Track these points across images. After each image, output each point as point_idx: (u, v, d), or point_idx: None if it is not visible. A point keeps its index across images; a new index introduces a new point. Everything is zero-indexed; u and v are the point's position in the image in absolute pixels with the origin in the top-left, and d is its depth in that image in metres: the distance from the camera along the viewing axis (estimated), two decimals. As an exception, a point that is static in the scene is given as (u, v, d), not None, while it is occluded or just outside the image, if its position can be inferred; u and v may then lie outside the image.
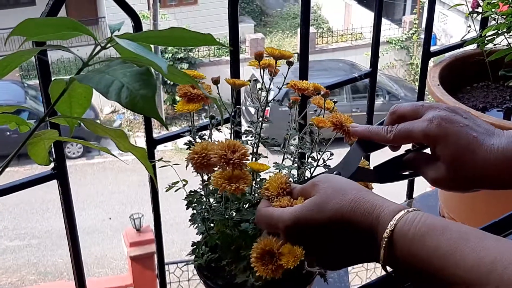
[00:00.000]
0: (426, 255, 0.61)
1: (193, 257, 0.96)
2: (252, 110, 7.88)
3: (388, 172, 0.84)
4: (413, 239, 0.62)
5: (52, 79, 0.93)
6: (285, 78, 1.01)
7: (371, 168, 0.86)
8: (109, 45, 0.58)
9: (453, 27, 13.97)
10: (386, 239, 0.64)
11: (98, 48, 0.58)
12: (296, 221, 0.69)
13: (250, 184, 0.84)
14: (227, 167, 0.82)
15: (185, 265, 6.15)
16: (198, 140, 0.96)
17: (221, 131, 1.00)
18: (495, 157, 0.73)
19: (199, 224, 0.93)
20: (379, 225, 0.65)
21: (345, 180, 0.73)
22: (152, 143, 1.12)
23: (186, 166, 0.87)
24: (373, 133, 0.81)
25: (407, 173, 0.84)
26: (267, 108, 1.00)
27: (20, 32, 0.55)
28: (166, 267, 1.28)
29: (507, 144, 0.73)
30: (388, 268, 0.66)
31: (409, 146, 0.86)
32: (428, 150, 0.81)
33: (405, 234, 0.63)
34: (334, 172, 0.82)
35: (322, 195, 0.70)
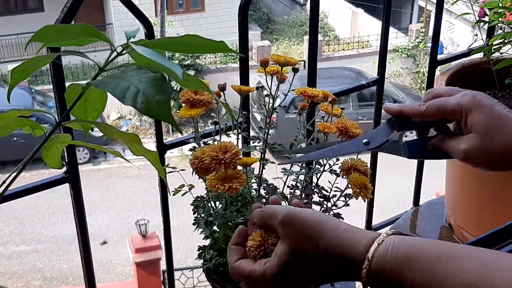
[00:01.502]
0: (407, 285, 0.62)
1: (198, 263, 0.98)
2: (258, 117, 7.90)
3: (417, 149, 0.84)
4: (390, 274, 0.63)
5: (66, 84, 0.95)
6: (290, 85, 1.02)
7: (402, 143, 0.86)
8: (124, 51, 0.60)
9: (460, 36, 13.97)
10: (364, 279, 0.65)
11: (114, 54, 0.60)
12: (276, 281, 0.69)
13: (245, 183, 0.85)
14: (220, 168, 0.83)
15: (190, 270, 6.15)
16: (202, 145, 0.97)
17: (230, 137, 1.02)
18: None
19: (204, 228, 0.94)
20: (356, 267, 0.65)
21: (314, 219, 0.70)
22: (162, 148, 1.13)
23: (193, 172, 0.89)
24: (406, 107, 0.81)
25: (435, 153, 0.83)
26: (273, 116, 1.01)
27: (39, 38, 0.57)
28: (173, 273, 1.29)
29: None
30: None
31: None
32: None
33: (381, 271, 0.63)
34: (364, 140, 0.83)
35: (294, 245, 0.68)
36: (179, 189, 0.92)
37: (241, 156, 0.86)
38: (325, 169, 0.99)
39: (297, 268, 0.68)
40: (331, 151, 0.84)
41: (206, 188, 0.95)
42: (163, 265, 6.66)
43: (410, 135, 0.87)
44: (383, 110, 0.96)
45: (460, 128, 0.79)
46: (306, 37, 14.83)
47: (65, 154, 1.03)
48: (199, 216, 0.94)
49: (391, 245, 0.64)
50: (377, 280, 0.64)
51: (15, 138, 10.33)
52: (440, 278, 0.60)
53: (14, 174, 0.67)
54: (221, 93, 0.98)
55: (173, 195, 0.93)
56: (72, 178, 1.04)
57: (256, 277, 0.70)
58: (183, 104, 0.96)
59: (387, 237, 0.65)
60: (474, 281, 0.57)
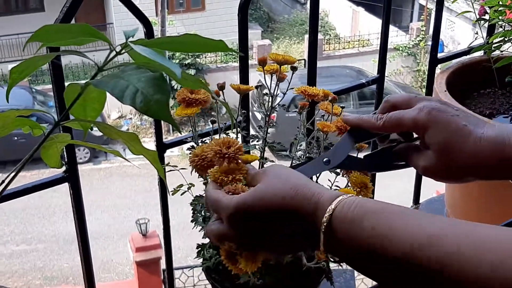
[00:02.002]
0: (365, 236, 0.62)
1: (198, 262, 0.98)
2: (259, 116, 7.90)
3: (378, 162, 0.85)
4: (351, 222, 0.63)
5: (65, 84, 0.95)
6: (289, 83, 1.02)
7: (361, 157, 0.86)
8: (123, 50, 0.60)
9: (461, 34, 13.96)
10: (325, 224, 0.64)
11: (113, 53, 0.60)
12: (239, 208, 0.69)
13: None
14: (223, 162, 0.83)
15: (190, 269, 6.15)
16: (200, 144, 0.97)
17: (229, 136, 1.01)
18: (484, 146, 0.73)
19: (202, 225, 0.94)
20: (318, 211, 0.65)
21: (290, 170, 0.73)
22: (162, 147, 1.13)
23: (191, 171, 0.88)
24: (364, 121, 0.82)
25: (397, 164, 0.84)
26: (273, 114, 1.01)
27: (38, 38, 0.57)
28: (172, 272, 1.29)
29: (498, 133, 0.74)
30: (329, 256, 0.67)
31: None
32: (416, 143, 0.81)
33: (344, 217, 0.63)
34: (324, 159, 0.83)
35: (265, 183, 0.70)
36: (178, 188, 0.92)
37: (243, 152, 0.86)
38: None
39: (259, 205, 0.68)
40: None
41: (204, 183, 0.94)
42: (163, 264, 6.67)
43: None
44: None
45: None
46: (307, 36, 14.72)
47: (65, 153, 1.02)
48: (197, 213, 0.94)
49: (356, 201, 0.64)
50: (337, 229, 0.64)
51: (15, 138, 10.34)
52: (398, 229, 0.60)
53: (13, 174, 0.67)
54: (221, 92, 0.98)
55: (172, 194, 0.92)
56: (71, 178, 1.04)
57: (221, 201, 0.71)
58: (176, 101, 0.96)
59: (354, 196, 0.66)
60: (430, 233, 0.58)
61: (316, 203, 0.66)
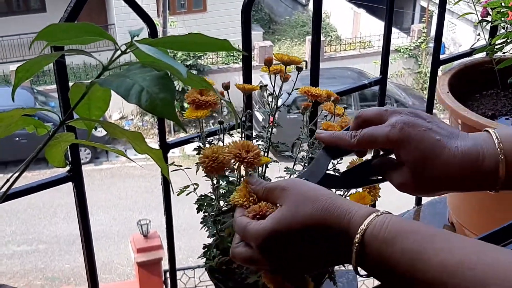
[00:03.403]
0: (395, 258, 0.62)
1: (200, 262, 0.98)
2: (260, 117, 7.90)
3: (356, 178, 0.84)
4: (382, 242, 0.63)
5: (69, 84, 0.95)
6: (294, 84, 1.02)
7: (339, 174, 0.87)
8: (129, 49, 0.60)
9: (462, 36, 13.96)
10: (357, 244, 0.65)
11: (118, 52, 0.60)
12: (268, 237, 0.69)
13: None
14: (241, 166, 0.84)
15: (191, 270, 6.16)
16: (207, 145, 0.97)
17: (233, 136, 1.02)
18: (458, 159, 0.73)
19: (211, 227, 0.94)
20: (350, 230, 0.66)
21: (314, 186, 0.73)
22: (165, 147, 1.14)
23: (197, 171, 0.89)
24: (338, 138, 0.81)
25: (374, 178, 0.84)
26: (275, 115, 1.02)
27: (44, 37, 0.57)
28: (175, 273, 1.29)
29: (472, 146, 0.74)
30: (361, 271, 0.68)
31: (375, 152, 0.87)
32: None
33: (375, 238, 0.64)
34: (302, 179, 0.82)
35: (292, 205, 0.70)
36: (184, 189, 0.92)
37: (261, 157, 0.87)
38: (329, 168, 0.99)
39: (289, 230, 0.68)
40: None
41: (211, 186, 0.95)
42: (164, 265, 6.67)
43: None
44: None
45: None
46: (308, 38, 14.83)
47: (68, 153, 1.03)
48: (207, 214, 0.94)
49: (387, 219, 0.65)
50: (368, 250, 0.64)
51: (17, 138, 10.34)
52: (427, 254, 0.60)
53: (17, 173, 0.68)
54: (225, 92, 0.98)
55: (178, 195, 0.93)
56: (75, 177, 1.05)
57: (250, 229, 0.71)
58: (186, 104, 0.96)
59: (385, 213, 0.66)
60: (458, 260, 0.58)
61: (348, 222, 0.66)
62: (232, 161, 0.85)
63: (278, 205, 0.72)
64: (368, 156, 0.85)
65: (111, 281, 8.65)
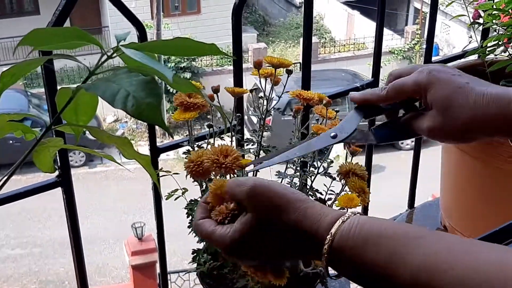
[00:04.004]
0: (367, 266, 0.61)
1: (194, 266, 0.97)
2: (254, 120, 7.91)
3: (385, 133, 0.84)
4: (351, 251, 0.63)
5: (58, 88, 0.94)
6: (284, 87, 1.02)
7: (369, 130, 0.85)
8: (115, 54, 0.59)
9: (456, 38, 14.00)
10: (326, 255, 0.64)
11: (105, 57, 0.59)
12: (235, 248, 0.69)
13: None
14: (220, 171, 0.83)
15: (186, 273, 6.14)
16: (196, 149, 0.97)
17: (223, 140, 1.01)
18: (487, 101, 0.72)
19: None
20: (318, 240, 0.65)
21: (281, 193, 0.69)
22: (156, 151, 1.13)
23: (186, 176, 0.88)
24: (369, 93, 0.82)
25: (403, 134, 0.84)
26: (269, 118, 1.01)
27: (29, 41, 0.56)
28: (168, 276, 1.28)
29: (502, 92, 0.73)
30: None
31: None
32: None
33: (343, 247, 0.63)
34: (331, 134, 0.82)
35: (261, 214, 0.68)
36: (172, 193, 0.91)
37: (241, 161, 0.85)
38: (320, 171, 0.99)
39: (258, 238, 0.68)
40: (299, 150, 0.83)
41: (201, 191, 0.94)
42: (159, 268, 6.65)
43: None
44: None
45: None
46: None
47: (57, 157, 1.02)
48: (194, 219, 0.93)
49: (355, 223, 0.63)
50: (339, 257, 0.63)
51: (11, 142, 10.30)
52: (401, 255, 0.59)
53: (3, 180, 0.67)
54: (216, 95, 0.98)
55: (166, 199, 0.92)
56: (64, 182, 1.04)
57: (216, 238, 0.70)
58: (174, 105, 0.96)
59: (353, 216, 0.65)
60: (433, 261, 0.57)
61: (316, 232, 0.65)
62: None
63: (245, 207, 0.70)
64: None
65: (105, 284, 8.63)
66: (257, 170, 0.99)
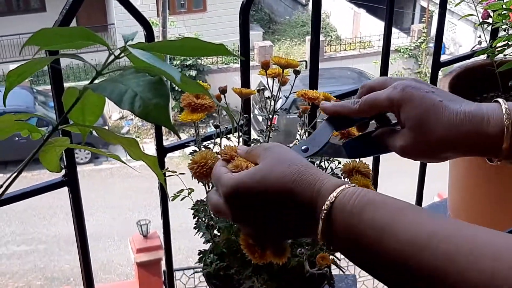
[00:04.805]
0: (363, 228, 0.60)
1: (199, 263, 0.97)
2: (260, 118, 7.90)
3: (357, 148, 0.84)
4: (351, 212, 0.62)
5: (64, 86, 0.94)
6: (292, 87, 1.01)
7: (341, 144, 0.85)
8: (122, 54, 0.59)
9: (462, 36, 13.95)
10: (325, 211, 0.63)
11: (112, 57, 0.59)
12: (236, 188, 0.68)
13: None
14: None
15: (193, 273, 6.14)
16: (203, 149, 0.96)
17: (230, 140, 1.00)
18: (460, 120, 0.72)
19: (204, 232, 0.93)
20: (319, 198, 0.64)
21: (295, 153, 0.72)
22: (162, 151, 1.12)
23: (192, 176, 0.87)
24: (341, 106, 0.81)
25: (376, 149, 0.83)
26: (275, 116, 1.00)
27: (35, 41, 0.56)
28: (173, 274, 1.28)
29: (475, 109, 0.72)
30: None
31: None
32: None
33: (344, 207, 0.62)
34: (302, 147, 0.81)
35: (267, 163, 0.69)
36: (178, 194, 0.91)
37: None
38: (327, 172, 0.98)
39: (257, 187, 0.67)
40: None
41: (207, 192, 0.93)
42: (164, 265, 6.66)
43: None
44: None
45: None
46: (308, 37, 14.78)
47: (64, 156, 1.01)
48: (200, 220, 0.93)
49: (359, 190, 0.63)
50: (336, 218, 0.63)
51: (16, 138, 10.31)
52: (398, 226, 0.58)
53: (10, 180, 0.66)
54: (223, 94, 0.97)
55: (172, 200, 0.91)
56: (70, 181, 1.03)
57: (224, 177, 0.71)
58: (181, 106, 0.95)
59: (357, 186, 0.65)
60: (429, 232, 0.56)
61: (318, 190, 0.65)
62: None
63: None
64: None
65: (110, 281, 8.65)
66: None
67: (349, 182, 0.66)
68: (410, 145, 0.75)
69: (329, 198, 0.63)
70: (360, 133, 0.86)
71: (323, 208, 0.63)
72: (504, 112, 0.72)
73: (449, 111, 0.72)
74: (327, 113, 0.82)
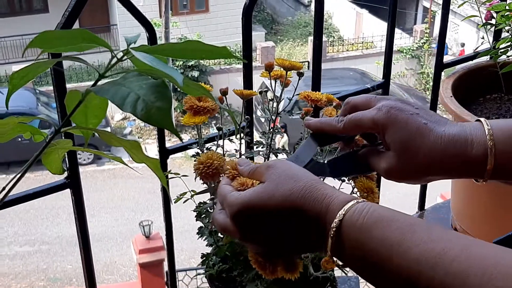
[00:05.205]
0: (373, 245, 0.60)
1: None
2: (262, 119, 7.89)
3: (342, 167, 0.84)
4: (361, 229, 0.62)
5: (67, 86, 0.94)
6: (295, 89, 1.01)
7: (325, 162, 0.85)
8: (125, 57, 0.59)
9: (465, 37, 13.93)
10: (334, 229, 0.63)
11: (115, 60, 0.58)
12: (243, 208, 0.68)
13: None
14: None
15: (196, 275, 6.14)
16: (205, 151, 0.96)
17: (233, 142, 1.00)
18: (445, 143, 0.72)
19: (207, 237, 0.93)
20: (328, 214, 0.64)
21: (299, 168, 0.72)
22: (165, 153, 1.12)
23: (195, 178, 0.87)
24: (325, 123, 0.81)
25: (360, 169, 0.83)
26: (277, 118, 1.00)
27: (38, 44, 0.56)
28: (176, 275, 1.28)
29: (459, 132, 0.73)
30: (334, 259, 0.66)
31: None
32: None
33: (353, 224, 0.62)
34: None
35: (274, 181, 0.69)
36: (181, 196, 0.91)
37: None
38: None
39: (265, 205, 0.67)
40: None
41: (211, 195, 0.93)
42: (166, 266, 6.66)
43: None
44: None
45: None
46: (311, 38, 14.87)
47: (66, 159, 1.01)
48: (203, 225, 0.93)
49: (367, 207, 0.63)
50: (345, 235, 0.62)
51: (19, 139, 10.33)
52: (408, 243, 0.58)
53: (12, 182, 0.66)
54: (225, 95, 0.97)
55: (175, 202, 0.91)
56: (73, 184, 1.03)
57: (230, 197, 0.70)
58: (184, 109, 0.95)
59: (366, 202, 0.64)
60: (440, 251, 0.56)
61: (326, 206, 0.65)
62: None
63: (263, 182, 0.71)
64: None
65: (113, 282, 8.65)
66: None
67: (358, 197, 0.66)
68: (394, 168, 0.75)
69: (338, 215, 0.63)
70: (344, 151, 0.86)
71: (332, 226, 0.63)
72: (487, 133, 0.72)
73: (434, 134, 0.73)
74: (311, 129, 0.82)
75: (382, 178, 1.44)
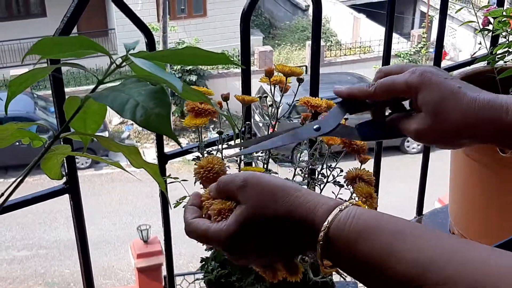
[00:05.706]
0: (360, 258, 0.60)
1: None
2: (260, 123, 7.90)
3: (370, 131, 0.83)
4: (347, 240, 0.61)
5: (65, 91, 0.94)
6: (295, 95, 1.01)
7: (353, 126, 0.84)
8: (124, 63, 0.59)
9: (462, 41, 13.97)
10: (321, 242, 0.62)
11: (114, 66, 0.59)
12: (230, 240, 0.67)
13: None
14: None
15: (195, 280, 6.13)
16: (206, 155, 0.96)
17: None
18: (479, 107, 0.71)
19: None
20: (315, 227, 0.63)
21: (277, 181, 0.68)
22: (163, 158, 1.12)
23: (195, 183, 0.88)
24: (355, 89, 0.80)
25: (389, 133, 0.82)
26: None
27: (36, 51, 0.56)
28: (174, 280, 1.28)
29: (494, 98, 0.72)
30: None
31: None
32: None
33: (339, 235, 0.62)
34: (314, 126, 0.80)
35: (256, 204, 0.67)
36: (180, 201, 0.91)
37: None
38: (329, 180, 0.98)
39: (254, 229, 0.66)
40: (282, 140, 0.81)
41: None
42: (164, 271, 6.65)
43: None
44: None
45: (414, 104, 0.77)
46: (308, 42, 14.88)
47: (65, 164, 1.01)
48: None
49: (352, 214, 0.62)
50: (333, 247, 0.62)
51: (17, 143, 10.27)
52: (396, 254, 0.58)
53: (11, 188, 0.66)
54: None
55: (174, 207, 0.91)
56: (72, 189, 1.03)
57: (211, 234, 0.68)
58: (185, 110, 0.95)
59: (350, 206, 0.63)
60: (430, 259, 0.56)
61: (312, 220, 0.64)
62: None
63: (239, 201, 0.68)
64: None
65: (111, 286, 8.63)
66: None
67: (341, 201, 0.65)
68: (426, 129, 0.75)
69: (323, 228, 0.62)
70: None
71: (319, 239, 0.63)
72: None
73: (468, 97, 0.72)
74: (341, 97, 0.81)
75: (380, 183, 1.45)
